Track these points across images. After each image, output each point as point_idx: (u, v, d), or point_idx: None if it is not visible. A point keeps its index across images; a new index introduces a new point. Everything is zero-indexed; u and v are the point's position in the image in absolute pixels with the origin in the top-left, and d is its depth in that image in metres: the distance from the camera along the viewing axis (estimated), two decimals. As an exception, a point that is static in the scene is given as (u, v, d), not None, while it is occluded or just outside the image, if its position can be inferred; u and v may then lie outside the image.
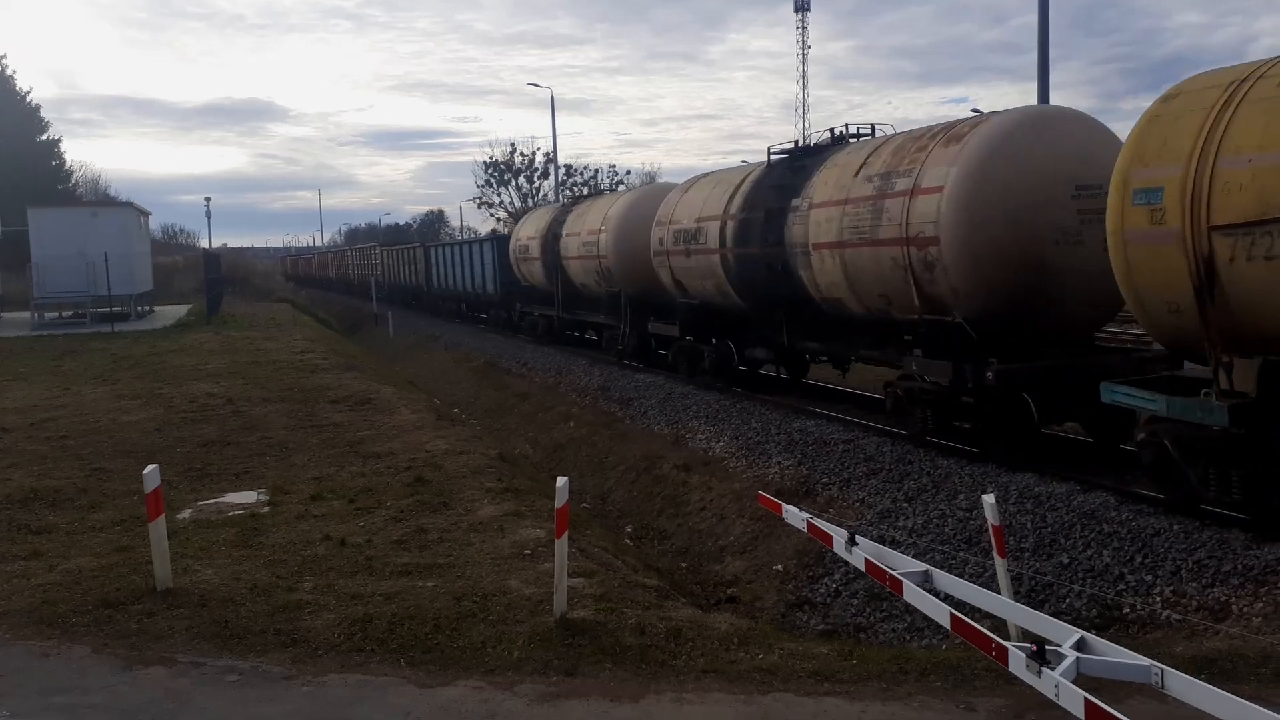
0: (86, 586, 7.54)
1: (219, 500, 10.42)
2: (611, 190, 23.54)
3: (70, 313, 35.13)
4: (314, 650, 6.39)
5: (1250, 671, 5.72)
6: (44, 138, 62.29)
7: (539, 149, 76.95)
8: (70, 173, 67.34)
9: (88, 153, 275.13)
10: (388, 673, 6.06)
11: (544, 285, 27.28)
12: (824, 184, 13.90)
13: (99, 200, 60.00)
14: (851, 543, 5.95)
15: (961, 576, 6.50)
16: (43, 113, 62.89)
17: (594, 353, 24.65)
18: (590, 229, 22.84)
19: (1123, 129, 11.14)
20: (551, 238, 25.63)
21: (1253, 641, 6.21)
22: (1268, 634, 6.58)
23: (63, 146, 65.18)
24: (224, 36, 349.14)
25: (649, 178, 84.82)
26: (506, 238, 32.09)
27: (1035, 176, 10.93)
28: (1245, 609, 7.30)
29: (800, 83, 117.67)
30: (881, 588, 6.49)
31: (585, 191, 78.03)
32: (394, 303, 50.29)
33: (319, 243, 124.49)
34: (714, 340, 18.18)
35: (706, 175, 19.23)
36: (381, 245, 59.87)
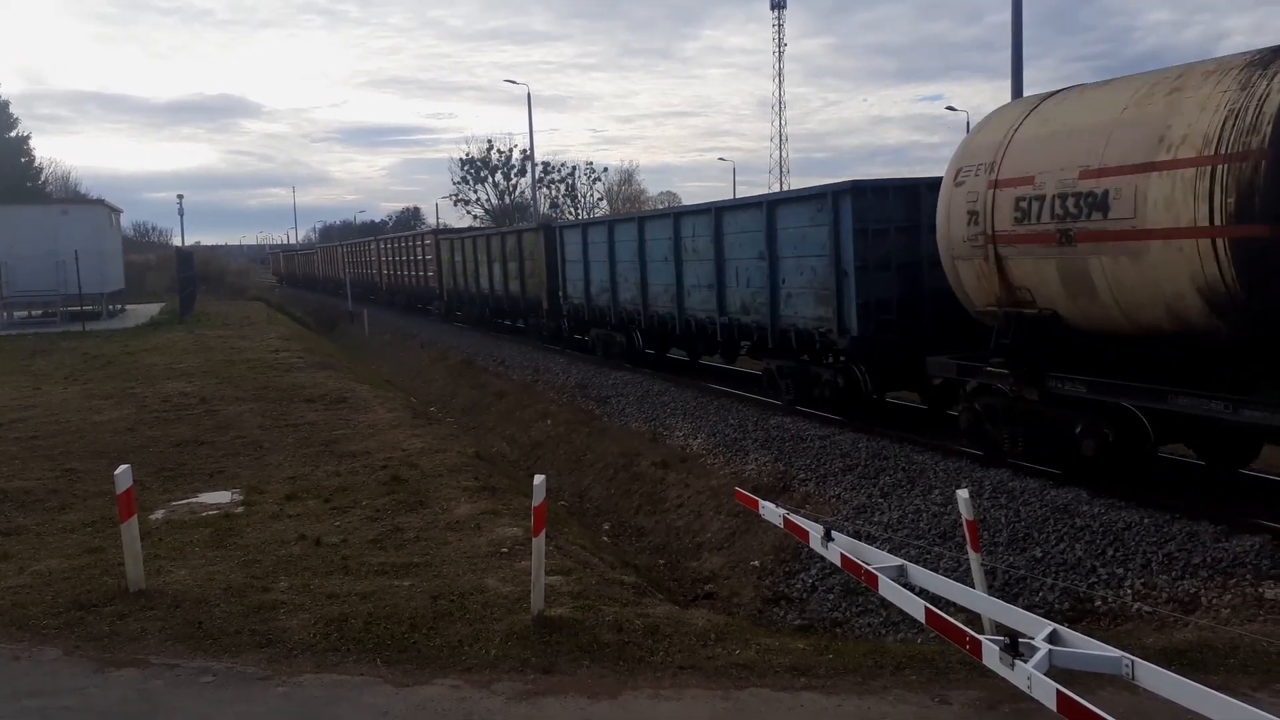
0: (57, 588, 7.47)
1: (192, 500, 10.33)
2: None
3: (40, 312, 34.72)
4: (289, 650, 6.35)
5: (1219, 662, 5.80)
6: (13, 134, 61.41)
7: (515, 146, 76.87)
8: (40, 170, 66.47)
9: (57, 150, 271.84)
10: (364, 672, 6.03)
11: (1207, 323, 8.35)
12: None
13: (69, 198, 59.20)
14: (827, 538, 5.99)
15: (936, 571, 6.56)
16: (10, 109, 61.94)
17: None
18: None
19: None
20: None
21: (1221, 632, 6.30)
22: (1236, 625, 6.68)
23: (32, 143, 64.25)
24: (193, 32, 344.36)
25: (626, 175, 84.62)
26: (877, 189, 13.21)
27: None
28: (1214, 600, 7.41)
29: (776, 80, 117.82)
30: (857, 582, 6.54)
31: (563, 195, 77.03)
32: (459, 322, 35.50)
33: (293, 240, 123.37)
34: None
35: None
36: (439, 235, 39.46)
